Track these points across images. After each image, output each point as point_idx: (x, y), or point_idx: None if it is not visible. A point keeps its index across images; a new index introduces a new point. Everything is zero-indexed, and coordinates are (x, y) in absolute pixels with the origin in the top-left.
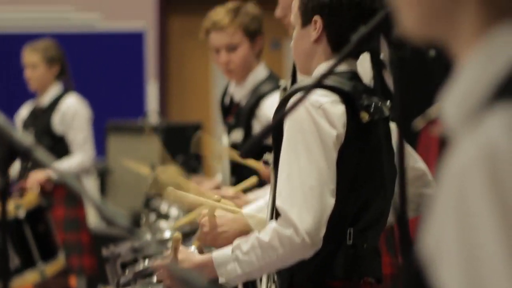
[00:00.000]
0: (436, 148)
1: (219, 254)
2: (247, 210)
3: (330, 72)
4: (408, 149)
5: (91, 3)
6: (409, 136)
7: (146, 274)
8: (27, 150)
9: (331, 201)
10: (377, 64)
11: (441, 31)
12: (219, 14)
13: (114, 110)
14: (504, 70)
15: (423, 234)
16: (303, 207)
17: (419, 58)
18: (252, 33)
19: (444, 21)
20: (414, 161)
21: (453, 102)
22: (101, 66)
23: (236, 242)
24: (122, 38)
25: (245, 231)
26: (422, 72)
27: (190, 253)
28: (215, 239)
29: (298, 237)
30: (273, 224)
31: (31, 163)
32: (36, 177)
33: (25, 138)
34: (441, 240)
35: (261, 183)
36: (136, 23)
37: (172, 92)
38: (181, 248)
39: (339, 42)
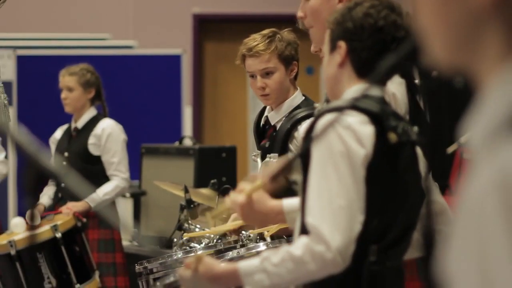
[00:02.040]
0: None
1: (246, 264)
2: (287, 202)
3: (361, 95)
4: (432, 183)
5: (128, 31)
6: (442, 161)
7: (176, 286)
8: (58, 175)
9: (360, 219)
10: (411, 90)
11: (468, 57)
12: (255, 40)
13: (150, 134)
14: None
15: (443, 259)
16: (333, 225)
17: (450, 86)
18: (287, 59)
19: (470, 47)
20: (438, 195)
21: (477, 129)
22: (138, 89)
23: (265, 253)
24: (159, 61)
25: (277, 222)
26: (454, 100)
27: (213, 264)
28: (248, 221)
29: (330, 254)
30: (304, 239)
31: (62, 190)
32: (73, 207)
33: (57, 163)
34: (460, 266)
35: None
36: (173, 51)
37: (207, 117)
38: (204, 259)
39: (363, 67)
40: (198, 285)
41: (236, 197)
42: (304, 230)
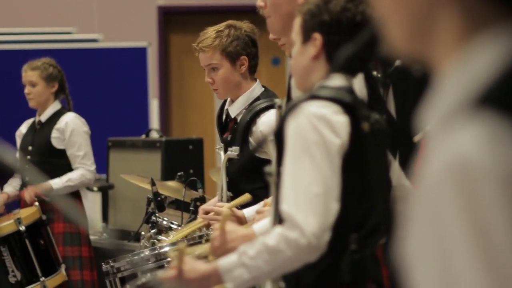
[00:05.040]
0: None
1: (225, 261)
2: (257, 226)
3: (332, 86)
4: (398, 167)
5: (93, 24)
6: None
7: (148, 287)
8: (13, 168)
9: (335, 206)
10: (369, 81)
11: (424, 44)
12: (204, 35)
13: (117, 128)
14: (482, 81)
15: (401, 244)
16: (308, 211)
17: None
18: (231, 54)
19: (425, 33)
20: (403, 179)
21: (432, 113)
22: (104, 82)
23: (242, 247)
24: (125, 54)
25: None
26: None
27: (196, 263)
28: (224, 254)
29: (304, 239)
30: (278, 228)
31: (26, 183)
32: (35, 187)
33: (11, 156)
34: (417, 251)
35: (255, 200)
36: (138, 43)
37: (174, 109)
38: (186, 258)
39: None
40: (183, 286)
41: (212, 234)
42: (278, 219)
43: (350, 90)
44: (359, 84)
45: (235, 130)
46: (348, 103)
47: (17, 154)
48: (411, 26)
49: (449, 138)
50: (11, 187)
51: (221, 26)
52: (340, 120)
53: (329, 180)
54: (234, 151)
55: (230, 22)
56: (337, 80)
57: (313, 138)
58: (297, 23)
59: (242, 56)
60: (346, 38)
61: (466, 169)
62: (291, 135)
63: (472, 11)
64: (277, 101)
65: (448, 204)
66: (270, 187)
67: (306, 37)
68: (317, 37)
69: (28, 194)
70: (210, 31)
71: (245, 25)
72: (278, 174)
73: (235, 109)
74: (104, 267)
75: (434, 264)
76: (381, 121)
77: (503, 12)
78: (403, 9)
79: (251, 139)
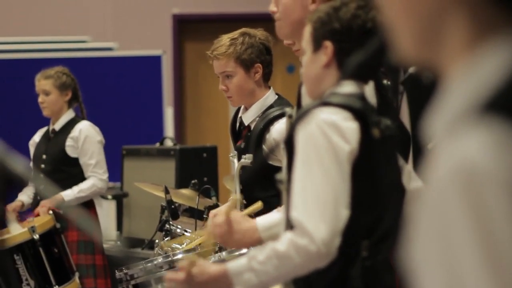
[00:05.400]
0: None
1: (234, 264)
2: (261, 221)
3: (343, 93)
4: (410, 170)
5: (107, 33)
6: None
7: None
8: (23, 179)
9: (345, 213)
10: (379, 89)
11: (432, 50)
12: (218, 43)
13: (132, 136)
14: (489, 86)
15: (408, 248)
16: (318, 218)
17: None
18: (246, 62)
19: (434, 39)
20: (415, 182)
21: (439, 118)
22: (119, 90)
23: (251, 252)
24: (140, 62)
25: (255, 244)
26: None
27: (206, 265)
28: (225, 243)
29: (314, 246)
30: (288, 234)
31: (40, 193)
32: (46, 202)
33: (22, 166)
34: (423, 255)
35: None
36: (153, 52)
37: (189, 117)
38: (197, 262)
39: None
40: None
41: (216, 219)
42: (289, 226)
43: (361, 97)
44: (369, 91)
45: (249, 138)
46: (358, 110)
47: (30, 163)
48: (419, 31)
49: (455, 144)
50: (26, 195)
51: (236, 33)
52: (350, 126)
53: (338, 186)
54: (247, 159)
55: (244, 29)
56: (348, 87)
57: (323, 145)
58: (307, 31)
59: (256, 63)
60: (357, 45)
61: (472, 175)
62: (301, 141)
63: (480, 17)
64: (287, 110)
65: (454, 209)
66: (281, 194)
67: (317, 46)
68: (328, 45)
69: (41, 211)
70: (225, 39)
71: (259, 33)
72: (289, 181)
73: (249, 117)
74: (118, 274)
75: (441, 268)
76: (392, 127)
77: (511, 18)
78: (412, 15)
79: (264, 147)
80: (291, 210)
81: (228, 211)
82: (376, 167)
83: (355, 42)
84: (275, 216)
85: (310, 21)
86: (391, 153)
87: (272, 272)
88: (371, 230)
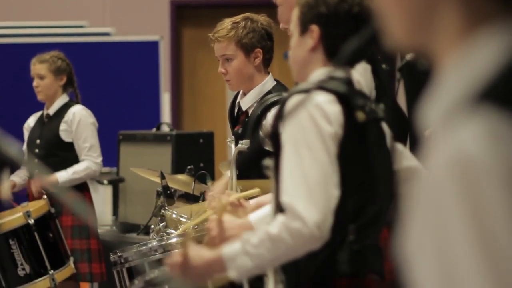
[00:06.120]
0: None
1: (228, 249)
2: (254, 216)
3: (328, 77)
4: (402, 149)
5: (105, 18)
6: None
7: (156, 282)
8: (16, 162)
9: (335, 193)
10: (377, 74)
11: (426, 37)
12: (220, 25)
13: (129, 121)
14: (482, 76)
15: (403, 237)
16: (309, 200)
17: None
18: (246, 46)
19: (427, 27)
20: (408, 160)
21: (435, 108)
22: (116, 76)
23: (245, 236)
24: (137, 48)
25: None
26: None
27: (200, 250)
28: (222, 242)
29: (307, 229)
30: (280, 217)
31: (31, 175)
32: (40, 180)
33: (15, 149)
34: (418, 245)
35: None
36: (150, 37)
37: (186, 103)
38: (192, 245)
39: (335, 51)
40: (188, 272)
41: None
42: (279, 210)
43: (347, 81)
44: (366, 76)
45: (246, 123)
46: (341, 93)
47: (24, 147)
48: (412, 18)
49: (449, 135)
50: (18, 177)
51: (238, 17)
52: (333, 109)
53: (327, 167)
54: (244, 144)
55: (247, 14)
56: (337, 72)
57: (309, 126)
58: (295, 14)
59: (256, 48)
60: (344, 29)
61: (467, 166)
62: (288, 123)
63: (473, 5)
64: (285, 94)
65: (449, 201)
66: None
67: (304, 29)
68: (315, 29)
69: (34, 186)
70: (227, 22)
71: (262, 18)
72: (276, 167)
73: (247, 102)
74: (112, 257)
75: (435, 259)
76: (378, 110)
77: (504, 7)
78: (403, 2)
79: (261, 133)
80: (281, 194)
81: (219, 215)
82: (363, 150)
83: (342, 27)
84: (266, 209)
85: (298, 5)
86: (379, 136)
87: (266, 255)
88: (358, 214)
